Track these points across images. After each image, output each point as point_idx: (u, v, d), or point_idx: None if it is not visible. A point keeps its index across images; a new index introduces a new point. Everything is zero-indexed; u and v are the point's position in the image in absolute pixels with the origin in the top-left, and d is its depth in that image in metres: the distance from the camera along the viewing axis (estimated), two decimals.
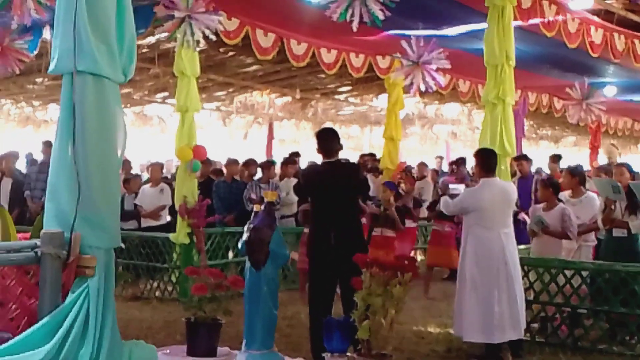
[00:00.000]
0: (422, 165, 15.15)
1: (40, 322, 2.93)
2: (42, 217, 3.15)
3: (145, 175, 14.42)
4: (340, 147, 7.02)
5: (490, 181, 7.22)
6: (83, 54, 3.04)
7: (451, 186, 9.09)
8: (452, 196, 8.15)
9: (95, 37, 3.07)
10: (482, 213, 7.05)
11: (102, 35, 3.10)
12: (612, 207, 8.09)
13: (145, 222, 11.93)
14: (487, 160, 7.30)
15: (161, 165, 13.43)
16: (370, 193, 11.49)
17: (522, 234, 9.04)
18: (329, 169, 6.83)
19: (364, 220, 9.55)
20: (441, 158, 19.71)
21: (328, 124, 22.05)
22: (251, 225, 3.51)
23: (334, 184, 6.69)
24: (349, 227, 6.66)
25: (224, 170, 13.49)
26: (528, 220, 8.46)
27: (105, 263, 3.08)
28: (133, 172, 14.95)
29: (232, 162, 12.60)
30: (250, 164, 12.48)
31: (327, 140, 6.95)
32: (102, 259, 3.07)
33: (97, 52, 3.07)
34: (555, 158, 14.07)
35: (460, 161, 13.32)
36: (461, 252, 7.28)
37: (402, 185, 11.25)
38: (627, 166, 8.71)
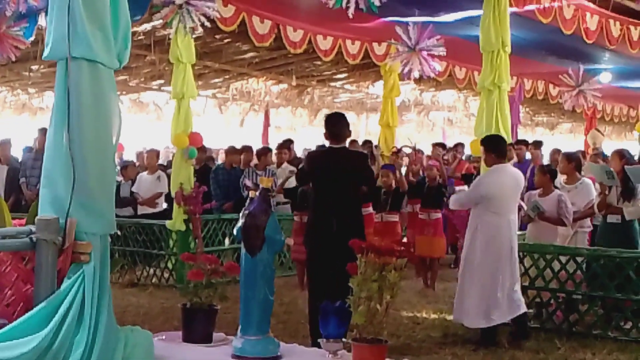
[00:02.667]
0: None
1: (36, 308, 2.94)
2: (37, 203, 3.15)
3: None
4: (349, 134, 6.87)
5: (502, 167, 7.24)
6: (78, 40, 3.03)
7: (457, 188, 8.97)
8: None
9: (90, 22, 3.06)
10: (494, 200, 7.06)
11: (97, 21, 3.10)
12: (606, 192, 8.11)
13: (142, 209, 11.94)
14: (497, 146, 7.30)
15: (157, 152, 13.41)
16: None
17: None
18: (336, 155, 6.64)
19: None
20: (442, 146, 19.74)
21: (324, 111, 22.04)
22: (246, 212, 3.51)
23: (339, 170, 6.51)
24: (352, 216, 6.50)
25: (216, 157, 13.48)
26: (524, 206, 8.47)
27: (100, 249, 3.09)
28: (127, 159, 14.95)
29: (232, 151, 12.58)
30: (246, 151, 12.48)
31: (337, 125, 6.72)
32: (98, 245, 3.08)
33: (91, 37, 3.06)
34: (537, 144, 13.70)
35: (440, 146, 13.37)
36: (468, 238, 7.27)
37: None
38: (624, 151, 8.70)
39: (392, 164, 11.33)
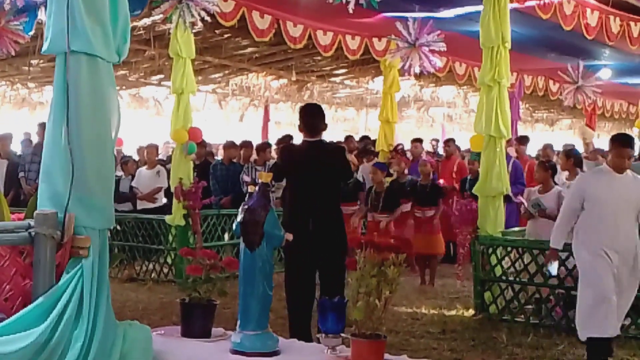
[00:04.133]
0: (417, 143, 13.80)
1: (35, 303, 2.93)
2: (36, 197, 3.15)
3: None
4: (325, 127, 6.44)
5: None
6: (77, 34, 3.02)
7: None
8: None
9: (89, 16, 3.05)
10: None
11: (96, 15, 3.09)
12: None
13: (141, 204, 11.95)
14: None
15: (156, 147, 13.41)
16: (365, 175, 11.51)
17: (510, 215, 9.06)
18: (311, 149, 6.26)
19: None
20: (437, 141, 19.73)
21: (324, 107, 21.98)
22: (245, 207, 3.51)
23: (315, 165, 6.15)
24: (329, 214, 6.17)
25: (215, 152, 13.46)
26: (525, 203, 8.47)
27: (99, 243, 3.08)
28: (128, 154, 14.96)
29: (230, 145, 12.58)
30: (246, 146, 12.47)
31: (312, 116, 6.38)
32: (97, 239, 3.07)
33: (90, 32, 3.05)
34: (523, 140, 13.35)
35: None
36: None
37: (395, 166, 11.14)
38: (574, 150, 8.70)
39: (385, 162, 11.27)
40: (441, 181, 12.00)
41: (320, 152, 6.27)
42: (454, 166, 12.24)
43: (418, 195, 10.47)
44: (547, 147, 14.24)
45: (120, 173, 12.38)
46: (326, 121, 6.52)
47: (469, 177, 10.93)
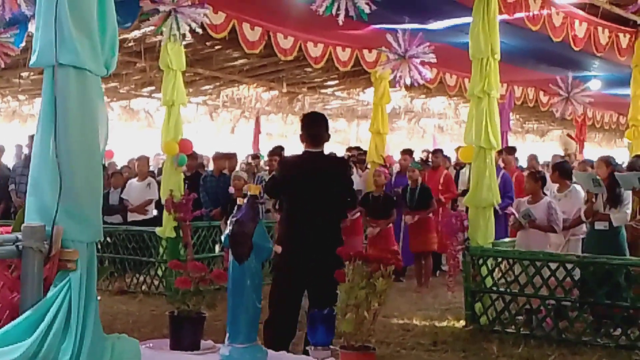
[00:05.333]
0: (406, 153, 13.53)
1: (22, 316, 2.92)
2: (23, 210, 3.14)
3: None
4: (328, 137, 6.02)
5: None
6: (65, 47, 3.02)
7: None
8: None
9: (77, 29, 3.05)
10: None
11: (84, 28, 3.08)
12: (593, 199, 8.14)
13: (132, 216, 11.92)
14: None
15: (147, 159, 13.40)
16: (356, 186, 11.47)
17: (499, 227, 9.08)
18: (313, 161, 5.80)
19: None
20: (428, 152, 19.78)
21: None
22: (234, 219, 3.51)
23: (317, 179, 5.69)
24: (330, 232, 5.67)
25: (206, 164, 13.44)
26: (515, 214, 8.50)
27: (87, 257, 3.07)
28: (118, 166, 14.95)
29: (220, 157, 12.58)
30: (231, 157, 12.45)
31: (315, 126, 5.94)
32: (85, 252, 3.06)
33: (79, 45, 3.05)
34: (511, 150, 13.22)
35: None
36: None
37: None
38: (610, 159, 8.72)
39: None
40: None
41: (323, 164, 5.86)
42: (440, 177, 12.20)
43: (370, 207, 10.34)
44: (532, 159, 14.20)
45: (108, 186, 12.34)
46: (329, 132, 6.10)
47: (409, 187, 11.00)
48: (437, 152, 13.49)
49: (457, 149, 11.93)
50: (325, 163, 5.92)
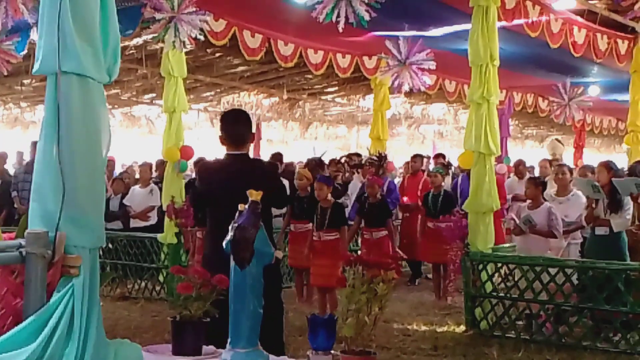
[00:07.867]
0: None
1: (25, 322, 2.94)
2: (27, 217, 3.16)
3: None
4: (253, 137, 5.33)
5: None
6: (67, 55, 3.04)
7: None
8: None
9: (80, 37, 3.07)
10: None
11: (87, 35, 3.11)
12: (593, 205, 8.16)
13: (134, 223, 11.95)
14: None
15: (150, 166, 13.43)
16: (358, 191, 11.44)
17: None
18: (234, 165, 5.11)
19: None
20: (428, 157, 19.79)
21: (316, 125, 22.10)
22: (235, 224, 3.53)
23: (240, 186, 4.19)
24: None
25: None
26: (516, 219, 8.52)
27: (90, 262, 3.09)
28: (118, 172, 14.96)
29: None
30: None
31: (236, 124, 5.22)
32: (87, 258, 3.08)
33: (81, 52, 3.07)
34: (416, 157, 12.86)
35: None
36: None
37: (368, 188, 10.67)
38: (611, 164, 8.74)
39: (329, 176, 10.68)
40: (405, 198, 11.87)
41: (246, 168, 5.11)
42: (419, 183, 11.96)
43: (366, 214, 9.75)
44: (520, 164, 14.00)
45: (109, 192, 12.35)
46: (253, 131, 5.41)
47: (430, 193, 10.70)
48: (417, 157, 12.88)
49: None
50: (249, 165, 5.22)
